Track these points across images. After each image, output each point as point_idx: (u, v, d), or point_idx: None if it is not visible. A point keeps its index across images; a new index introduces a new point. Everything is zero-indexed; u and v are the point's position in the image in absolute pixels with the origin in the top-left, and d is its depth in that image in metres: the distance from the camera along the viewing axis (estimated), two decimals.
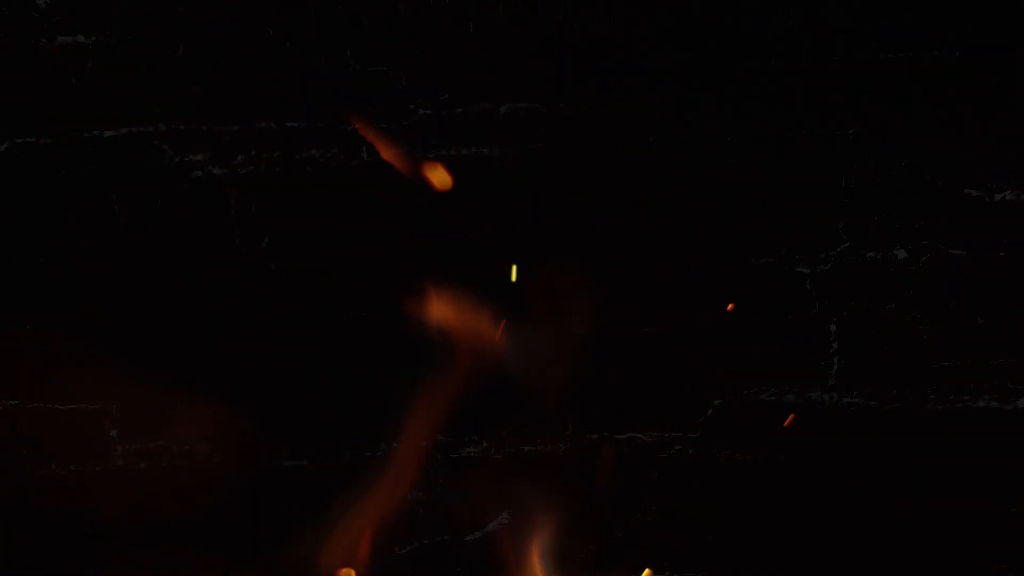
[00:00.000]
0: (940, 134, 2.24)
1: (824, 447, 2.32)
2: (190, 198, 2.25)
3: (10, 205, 2.24)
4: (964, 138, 2.24)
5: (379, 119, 2.25)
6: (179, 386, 2.26)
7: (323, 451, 2.32)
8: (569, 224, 2.26)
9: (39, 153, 2.24)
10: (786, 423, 2.30)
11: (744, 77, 2.24)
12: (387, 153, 2.18)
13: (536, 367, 2.26)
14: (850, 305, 2.29)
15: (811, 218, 2.27)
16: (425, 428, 2.28)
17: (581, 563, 2.33)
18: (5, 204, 2.24)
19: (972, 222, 2.26)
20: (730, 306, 2.24)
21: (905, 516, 2.32)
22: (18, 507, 2.29)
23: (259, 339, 2.28)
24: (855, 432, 2.31)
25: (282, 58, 2.23)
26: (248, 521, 2.31)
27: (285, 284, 2.27)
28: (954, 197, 2.26)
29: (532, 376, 2.26)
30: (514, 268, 2.25)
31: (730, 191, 2.26)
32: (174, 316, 2.27)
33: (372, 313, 2.27)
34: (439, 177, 2.23)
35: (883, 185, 2.26)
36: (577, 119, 2.25)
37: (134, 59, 2.23)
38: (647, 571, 2.32)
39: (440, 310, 2.22)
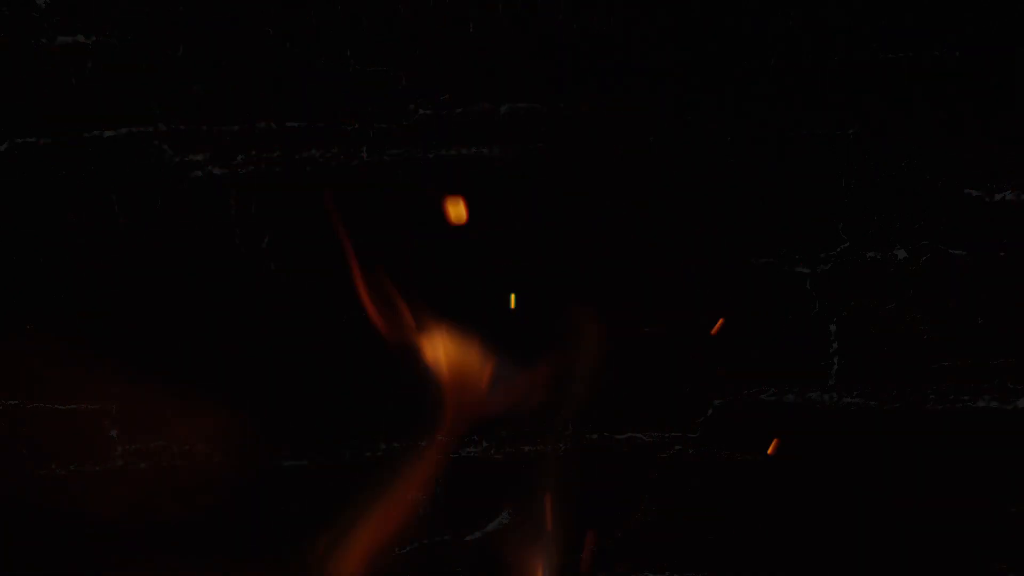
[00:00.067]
0: (940, 134, 2.24)
1: (824, 447, 2.32)
2: (190, 198, 2.25)
3: (10, 205, 2.24)
4: (964, 138, 2.24)
5: (379, 119, 2.25)
6: (179, 386, 2.26)
7: (323, 451, 2.32)
8: (569, 224, 2.26)
9: (39, 153, 2.24)
10: (769, 451, 2.31)
11: (744, 77, 2.24)
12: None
13: (523, 399, 2.26)
14: (850, 305, 2.29)
15: (811, 218, 2.27)
16: (456, 425, 2.28)
17: (581, 563, 2.33)
18: (5, 204, 2.24)
19: (972, 222, 2.26)
20: (719, 323, 2.24)
21: (905, 516, 2.32)
22: (18, 507, 2.29)
23: (259, 339, 2.28)
24: (855, 432, 2.31)
25: (282, 58, 2.23)
26: (248, 521, 2.31)
27: (285, 284, 2.27)
28: (954, 197, 2.26)
29: (520, 404, 2.26)
30: (512, 297, 2.25)
31: (730, 191, 2.26)
32: (174, 316, 2.27)
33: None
34: (456, 211, 2.23)
35: (883, 185, 2.26)
36: (577, 119, 2.25)
37: (134, 59, 2.23)
38: None
39: (431, 350, 2.22)
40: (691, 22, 2.23)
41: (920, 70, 2.23)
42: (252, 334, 2.28)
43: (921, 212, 2.27)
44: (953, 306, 2.28)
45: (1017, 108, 2.23)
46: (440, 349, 2.21)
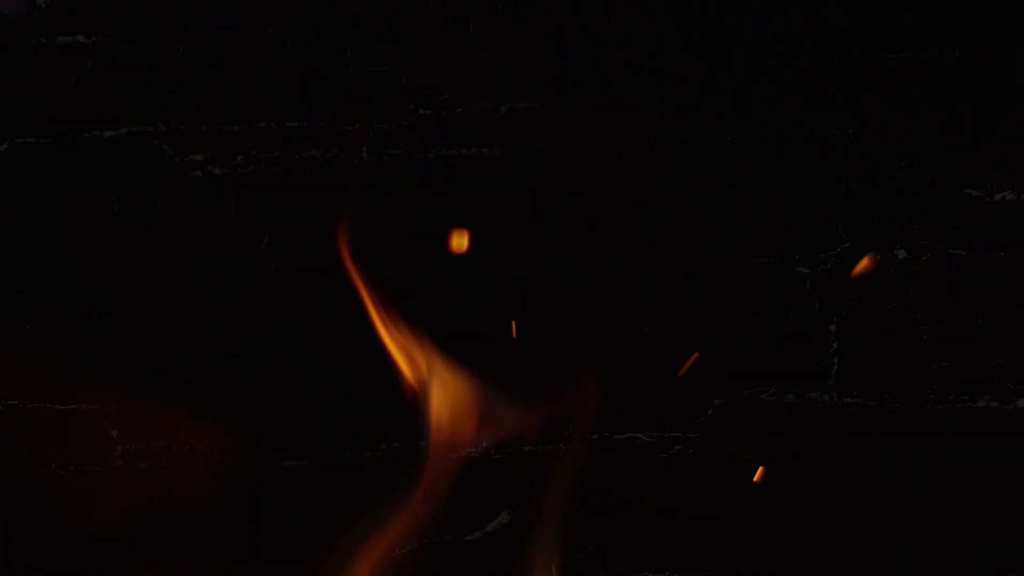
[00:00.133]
0: (940, 134, 2.24)
1: (824, 447, 2.32)
2: (190, 198, 2.25)
3: (10, 205, 2.24)
4: (964, 138, 2.24)
5: (379, 119, 2.25)
6: (179, 386, 2.26)
7: (323, 451, 2.32)
8: (569, 224, 2.26)
9: (39, 153, 2.24)
10: (756, 478, 2.31)
11: (744, 77, 2.24)
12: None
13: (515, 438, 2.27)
14: (850, 305, 2.29)
15: (811, 218, 2.27)
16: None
17: (581, 563, 2.33)
18: (5, 204, 2.24)
19: (972, 222, 2.26)
20: (690, 361, 2.25)
21: (905, 516, 2.32)
22: (18, 507, 2.29)
23: (259, 339, 2.28)
24: (855, 432, 2.31)
25: (282, 58, 2.23)
26: (248, 521, 2.31)
27: (285, 284, 2.27)
28: (954, 197, 2.26)
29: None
30: (514, 324, 2.25)
31: (730, 191, 2.26)
32: (174, 316, 2.27)
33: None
34: (459, 242, 2.23)
35: (883, 185, 2.26)
36: (577, 119, 2.25)
37: (134, 59, 2.23)
38: None
39: (431, 397, 2.22)
40: (691, 22, 2.23)
41: (920, 70, 2.23)
42: (252, 334, 2.28)
43: (921, 212, 2.27)
44: (953, 306, 2.28)
45: (1017, 108, 2.23)
46: (437, 398, 2.21)
